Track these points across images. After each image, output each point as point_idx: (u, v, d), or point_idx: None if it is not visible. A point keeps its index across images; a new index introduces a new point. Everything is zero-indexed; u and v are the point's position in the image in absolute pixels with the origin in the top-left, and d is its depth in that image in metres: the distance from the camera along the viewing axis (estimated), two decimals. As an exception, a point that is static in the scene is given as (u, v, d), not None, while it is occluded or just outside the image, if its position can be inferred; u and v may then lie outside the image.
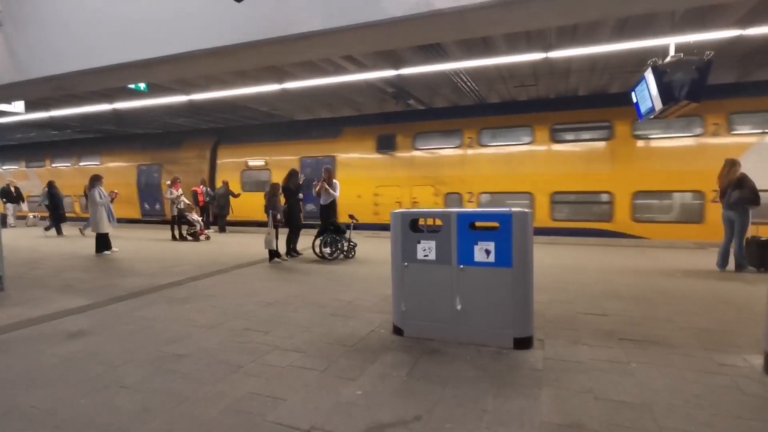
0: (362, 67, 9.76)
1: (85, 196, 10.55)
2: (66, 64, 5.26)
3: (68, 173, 19.47)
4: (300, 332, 4.31)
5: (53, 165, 20.35)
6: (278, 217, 8.38)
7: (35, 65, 5.51)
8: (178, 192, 12.22)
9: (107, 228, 9.57)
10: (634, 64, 10.06)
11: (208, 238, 12.36)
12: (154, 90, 10.86)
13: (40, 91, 6.56)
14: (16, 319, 4.89)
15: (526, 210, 3.78)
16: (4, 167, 21.69)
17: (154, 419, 2.74)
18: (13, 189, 16.39)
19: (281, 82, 10.34)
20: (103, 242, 9.59)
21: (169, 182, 12.53)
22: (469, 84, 11.96)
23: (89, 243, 10.23)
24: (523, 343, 3.74)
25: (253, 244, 10.69)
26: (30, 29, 5.61)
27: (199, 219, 12.75)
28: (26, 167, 21.24)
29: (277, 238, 8.38)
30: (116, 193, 10.67)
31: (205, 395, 3.04)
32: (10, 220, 16.38)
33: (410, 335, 4.10)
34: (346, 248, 8.64)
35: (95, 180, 9.62)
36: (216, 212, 14.40)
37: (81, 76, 5.38)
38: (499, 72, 11.16)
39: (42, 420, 2.74)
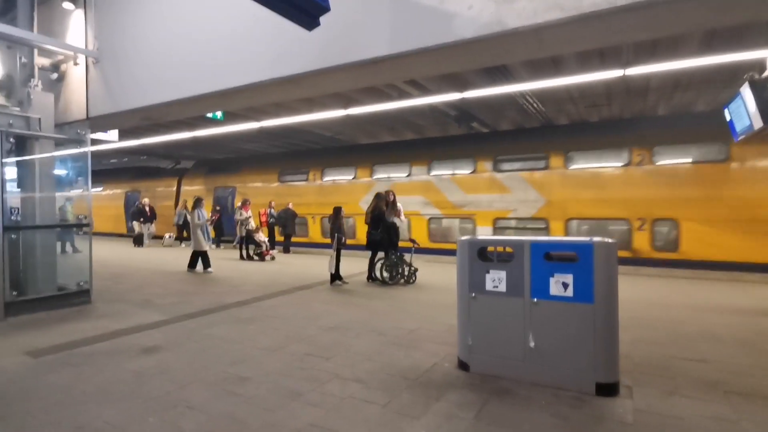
0: (426, 91, 9.74)
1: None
2: (151, 97, 5.72)
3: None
4: (361, 361, 4.18)
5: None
6: (343, 240, 8.41)
7: (126, 98, 6.04)
8: (247, 213, 12.79)
9: (204, 247, 10.08)
10: (724, 79, 9.18)
11: (273, 258, 12.75)
12: (228, 117, 11.59)
13: (131, 121, 7.21)
14: (100, 331, 5.23)
15: (609, 240, 3.43)
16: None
17: (215, 445, 2.71)
18: (147, 208, 17.28)
19: (346, 107, 10.59)
20: (196, 259, 10.09)
21: (239, 204, 13.16)
22: (535, 105, 11.56)
23: (172, 256, 10.93)
24: (608, 389, 3.33)
25: (314, 265, 10.87)
26: (122, 65, 6.19)
27: (266, 239, 13.21)
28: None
29: (338, 261, 8.40)
30: (217, 215, 12.20)
31: (265, 423, 2.98)
32: (146, 239, 16.95)
33: (477, 371, 3.82)
34: (406, 273, 8.48)
35: (198, 202, 10.32)
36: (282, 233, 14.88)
37: (165, 108, 5.82)
38: (569, 92, 10.68)
39: (113, 437, 2.81)
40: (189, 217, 15.85)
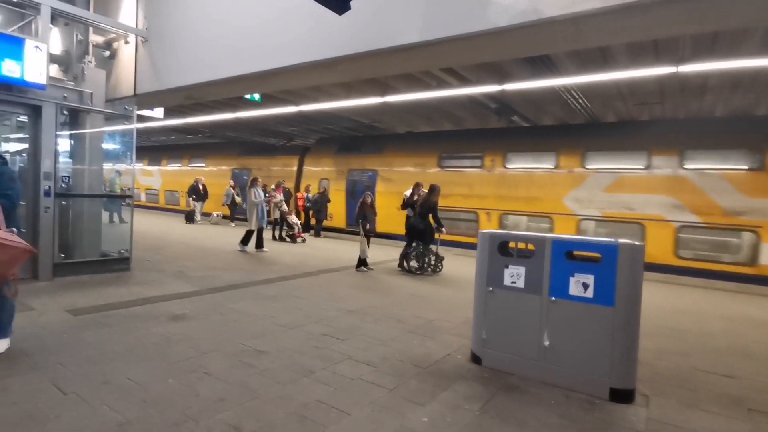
0: (464, 81, 9.56)
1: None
2: (193, 76, 5.93)
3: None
4: (375, 345, 4.24)
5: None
6: (368, 226, 8.48)
7: (170, 76, 6.29)
8: (280, 196, 13.08)
9: (254, 226, 10.21)
10: (792, 81, 8.50)
11: (304, 240, 13.01)
12: (267, 100, 11.84)
13: (174, 99, 7.52)
14: (135, 297, 5.55)
15: (636, 242, 3.29)
16: (192, 166, 22.12)
17: (226, 410, 2.84)
18: (201, 186, 16.98)
19: (383, 95, 10.57)
20: (248, 237, 10.25)
21: (273, 186, 13.47)
22: (581, 101, 11.10)
23: (215, 234, 11.36)
24: (622, 395, 3.22)
25: (343, 251, 11.02)
26: (167, 45, 6.44)
27: (298, 222, 13.49)
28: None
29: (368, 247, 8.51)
30: (272, 195, 12.38)
31: (276, 395, 3.09)
32: (197, 216, 16.84)
33: (489, 365, 3.79)
34: (433, 262, 8.47)
35: (254, 181, 10.45)
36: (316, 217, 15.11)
37: (205, 87, 6.02)
38: (618, 88, 10.18)
39: (133, 393, 3.00)
40: (236, 197, 16.67)
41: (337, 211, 15.38)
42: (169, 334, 4.23)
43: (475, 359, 3.89)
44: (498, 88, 9.37)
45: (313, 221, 15.16)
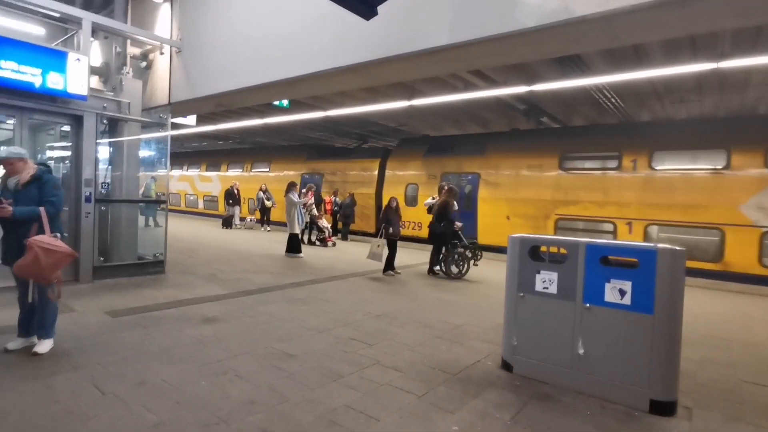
0: (492, 82, 9.44)
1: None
2: (224, 84, 6.08)
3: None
4: (403, 350, 4.21)
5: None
6: (391, 230, 8.45)
7: (202, 85, 6.48)
8: (311, 200, 13.22)
9: (296, 229, 10.18)
10: None
11: (334, 244, 13.06)
12: (294, 106, 12.03)
13: (206, 107, 7.73)
14: (169, 299, 5.72)
15: (677, 247, 3.14)
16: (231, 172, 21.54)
17: (256, 412, 2.87)
18: (236, 191, 16.92)
19: (410, 98, 10.56)
20: (295, 242, 10.18)
21: (304, 190, 13.67)
22: (613, 101, 10.78)
23: (248, 237, 11.58)
24: (663, 408, 3.08)
25: (358, 252, 11.02)
26: (200, 54, 6.64)
27: (328, 226, 13.52)
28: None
29: (393, 252, 8.47)
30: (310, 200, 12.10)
31: (304, 399, 3.11)
32: (236, 220, 16.98)
33: (520, 373, 3.70)
34: (464, 267, 8.49)
35: (291, 186, 10.48)
36: (342, 221, 15.20)
37: (235, 94, 6.17)
38: (653, 87, 9.82)
39: (167, 394, 3.08)
40: (266, 201, 16.66)
41: (423, 219, 12.89)
42: (201, 336, 4.33)
43: (506, 366, 3.81)
44: (527, 89, 9.20)
45: (340, 225, 15.25)
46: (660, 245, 3.13)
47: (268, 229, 16.46)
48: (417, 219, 13.55)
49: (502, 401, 3.21)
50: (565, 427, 2.86)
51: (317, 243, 13.07)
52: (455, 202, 8.71)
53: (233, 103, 7.29)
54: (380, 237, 8.50)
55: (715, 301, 7.33)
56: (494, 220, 12.10)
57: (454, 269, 8.48)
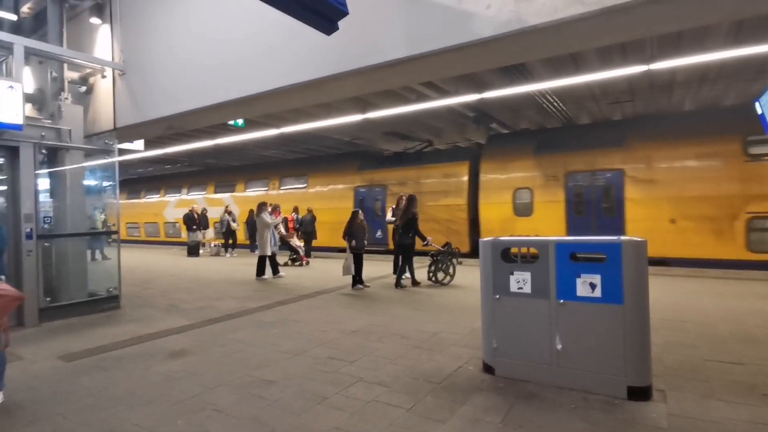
0: (443, 92, 9.72)
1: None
2: (174, 106, 5.86)
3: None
4: (384, 364, 4.16)
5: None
6: (353, 243, 8.39)
7: (150, 108, 6.21)
8: (278, 219, 12.80)
9: (269, 251, 9.80)
10: (754, 71, 8.88)
11: (308, 263, 12.54)
12: (248, 124, 11.78)
13: (155, 130, 7.40)
14: (129, 336, 5.35)
15: (639, 239, 3.33)
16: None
17: (242, 448, 2.73)
18: (196, 215, 15.99)
19: (364, 112, 10.64)
20: (263, 266, 9.82)
21: (270, 209, 13.20)
22: (556, 104, 11.39)
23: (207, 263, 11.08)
24: (640, 393, 3.22)
25: (336, 270, 10.87)
26: (146, 76, 6.37)
27: (301, 245, 12.90)
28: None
29: (360, 264, 8.41)
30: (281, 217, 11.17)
31: (291, 426, 2.99)
32: (202, 248, 15.82)
33: (502, 374, 3.75)
34: (451, 272, 8.68)
35: (262, 206, 10.08)
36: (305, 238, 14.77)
37: (188, 116, 5.95)
38: (590, 90, 10.48)
39: (143, 439, 2.86)
40: (232, 223, 15.35)
41: (547, 229, 11.21)
42: (170, 372, 4.07)
43: (488, 369, 3.85)
44: (477, 97, 9.53)
45: (301, 242, 14.93)
46: (624, 237, 3.30)
47: (234, 254, 15.43)
48: (535, 231, 10.76)
49: (489, 405, 3.24)
50: (554, 424, 2.93)
51: (290, 263, 12.59)
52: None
53: (186, 124, 7.02)
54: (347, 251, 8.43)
55: (662, 286, 7.81)
56: (652, 225, 9.97)
57: (440, 276, 8.60)
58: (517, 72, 8.77)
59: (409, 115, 11.62)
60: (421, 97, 9.92)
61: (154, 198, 22.93)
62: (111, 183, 7.18)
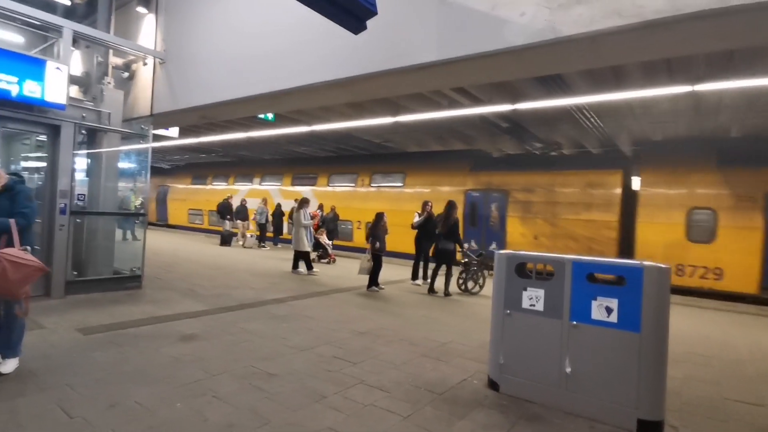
0: (476, 100, 9.58)
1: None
2: (208, 96, 6.00)
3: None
4: (388, 369, 4.11)
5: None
6: (377, 245, 8.39)
7: (185, 97, 6.38)
8: (312, 221, 12.85)
9: (307, 247, 9.95)
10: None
11: (334, 261, 12.50)
12: (279, 120, 11.97)
13: (189, 119, 7.62)
14: (146, 315, 5.51)
15: (662, 265, 3.16)
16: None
17: (235, 438, 2.74)
18: (234, 205, 15.96)
19: (395, 115, 10.62)
20: (298, 260, 10.01)
21: (297, 204, 13.25)
22: (593, 120, 11.04)
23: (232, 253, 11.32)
24: (651, 428, 3.05)
25: (355, 269, 10.90)
26: (184, 66, 6.56)
27: (330, 243, 12.89)
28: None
29: (379, 267, 8.40)
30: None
31: (286, 422, 2.98)
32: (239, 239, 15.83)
33: (507, 392, 3.64)
34: (482, 282, 8.59)
35: (303, 203, 10.19)
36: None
37: (219, 107, 6.08)
38: (631, 108, 10.11)
39: (141, 417, 2.91)
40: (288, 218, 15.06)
41: (733, 260, 9.56)
42: (179, 355, 4.15)
43: (493, 385, 3.75)
44: (510, 108, 9.36)
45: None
46: (646, 263, 3.15)
47: (266, 247, 15.31)
48: (715, 262, 9.44)
49: (489, 422, 3.14)
50: (554, 449, 2.81)
51: (317, 260, 12.56)
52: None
53: (217, 115, 7.20)
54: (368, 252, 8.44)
55: (692, 318, 7.43)
56: None
57: (470, 285, 8.52)
58: (554, 84, 8.55)
59: (442, 121, 11.52)
60: (453, 104, 9.82)
61: (221, 185, 21.38)
62: (144, 167, 7.42)
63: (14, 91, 5.53)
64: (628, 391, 3.12)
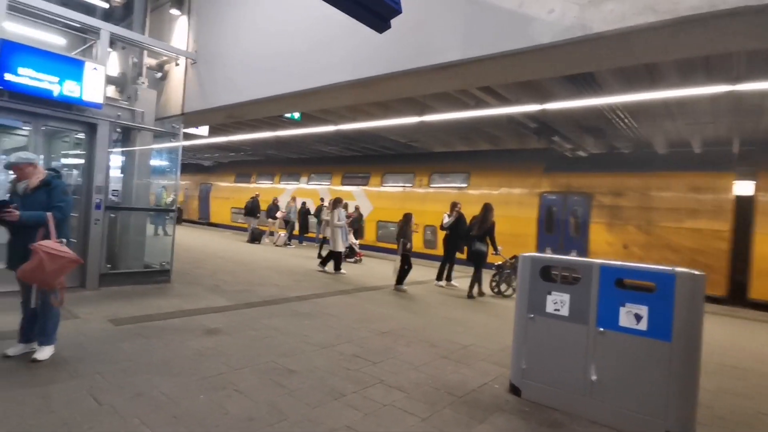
0: (503, 100, 9.43)
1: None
2: (235, 96, 6.12)
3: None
4: (408, 370, 4.09)
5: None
6: (408, 246, 8.38)
7: (215, 96, 6.53)
8: (344, 222, 12.94)
9: (341, 248, 9.93)
10: None
11: (361, 259, 12.52)
12: (306, 119, 12.11)
13: (217, 118, 7.80)
14: (173, 309, 5.66)
15: (696, 272, 3.02)
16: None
17: (254, 430, 2.77)
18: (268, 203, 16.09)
19: (421, 114, 10.57)
20: (329, 259, 10.02)
21: (328, 203, 13.33)
22: (626, 121, 10.69)
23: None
24: (680, 441, 2.92)
25: (380, 269, 10.93)
26: (213, 66, 6.71)
27: (357, 242, 12.91)
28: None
29: (409, 267, 8.39)
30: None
31: (304, 418, 3.01)
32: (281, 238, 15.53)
33: (529, 398, 3.56)
34: (514, 285, 8.43)
35: (337, 202, 10.18)
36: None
37: (246, 106, 6.20)
38: (668, 107, 9.73)
39: (165, 407, 2.99)
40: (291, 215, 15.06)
41: None
42: (203, 348, 4.25)
43: (514, 390, 3.67)
44: (538, 108, 9.17)
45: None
46: (679, 269, 3.01)
47: (291, 245, 15.30)
48: None
49: (510, 427, 3.08)
50: (576, 458, 2.73)
51: (344, 259, 12.59)
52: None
53: (244, 114, 7.35)
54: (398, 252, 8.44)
55: (727, 328, 7.09)
56: None
57: (503, 287, 8.44)
58: (585, 83, 8.32)
59: (468, 121, 11.39)
60: (480, 103, 9.70)
61: (266, 184, 20.51)
62: (175, 165, 7.63)
63: (55, 90, 5.79)
64: (657, 401, 3.00)
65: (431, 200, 13.44)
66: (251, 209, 16.07)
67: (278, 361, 4.07)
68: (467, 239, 8.48)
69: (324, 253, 12.64)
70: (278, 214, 15.85)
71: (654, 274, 3.13)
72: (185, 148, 17.46)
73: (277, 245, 15.09)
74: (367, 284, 8.69)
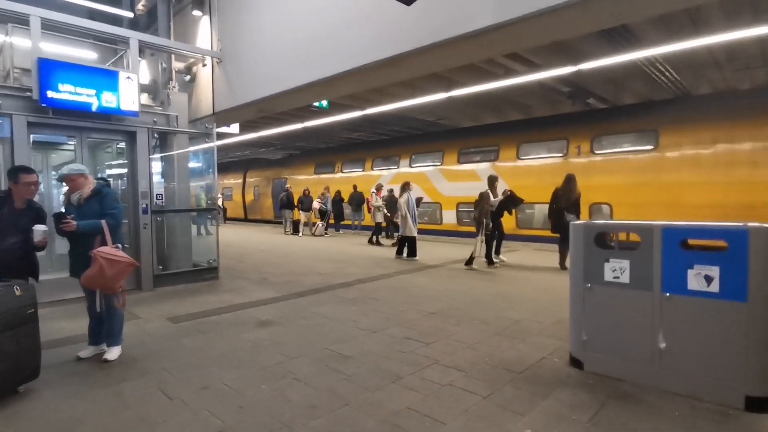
0: (533, 66, 9.04)
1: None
2: (264, 90, 6.13)
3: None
4: (462, 349, 4.05)
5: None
6: (490, 225, 8.32)
7: (243, 92, 6.57)
8: (381, 200, 13.00)
9: (414, 233, 9.57)
10: None
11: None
12: (333, 107, 12.08)
13: (247, 114, 7.87)
14: (225, 304, 5.84)
15: (770, 225, 2.78)
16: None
17: (317, 417, 2.82)
18: (297, 193, 16.38)
19: (448, 90, 10.31)
20: (403, 245, 9.77)
21: (374, 189, 13.35)
22: (668, 74, 10.03)
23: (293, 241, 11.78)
24: (762, 405, 2.74)
25: (429, 250, 10.87)
26: (239, 62, 6.74)
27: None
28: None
29: (489, 244, 8.49)
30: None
31: (365, 402, 3.02)
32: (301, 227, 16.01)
33: (592, 370, 3.44)
34: None
35: (406, 186, 9.88)
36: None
37: (274, 99, 6.21)
38: (713, 55, 9.05)
39: (230, 398, 3.08)
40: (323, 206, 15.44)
41: None
42: (258, 340, 4.35)
43: (576, 363, 3.56)
44: (572, 69, 8.73)
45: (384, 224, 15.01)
46: (751, 224, 2.79)
47: (326, 234, 15.47)
48: None
49: (576, 402, 2.98)
50: (651, 430, 2.61)
51: (382, 244, 12.60)
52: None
53: (274, 107, 7.38)
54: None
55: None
56: None
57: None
58: (621, 37, 7.84)
59: (497, 92, 11.03)
60: (509, 72, 9.35)
61: (355, 172, 17.77)
62: (211, 165, 7.80)
63: (94, 103, 5.99)
64: (734, 365, 2.82)
65: (522, 174, 11.78)
66: (287, 202, 16.48)
67: (332, 347, 4.11)
68: (556, 213, 7.96)
69: (377, 239, 12.64)
70: (314, 204, 16.03)
71: (724, 231, 2.91)
72: (219, 147, 17.52)
73: (315, 235, 15.27)
74: (406, 267, 8.66)
